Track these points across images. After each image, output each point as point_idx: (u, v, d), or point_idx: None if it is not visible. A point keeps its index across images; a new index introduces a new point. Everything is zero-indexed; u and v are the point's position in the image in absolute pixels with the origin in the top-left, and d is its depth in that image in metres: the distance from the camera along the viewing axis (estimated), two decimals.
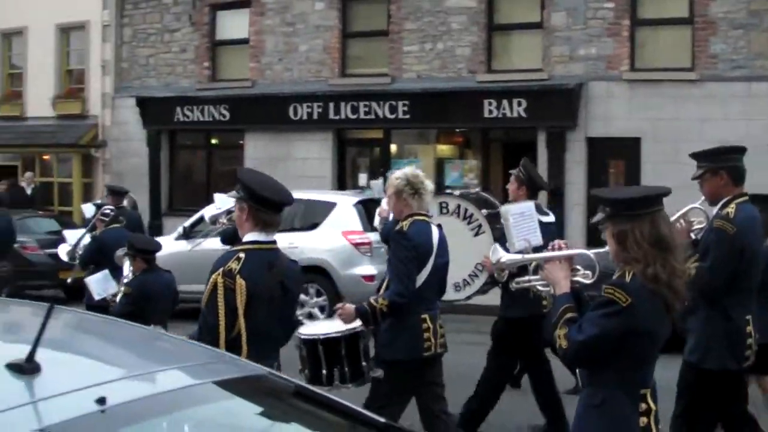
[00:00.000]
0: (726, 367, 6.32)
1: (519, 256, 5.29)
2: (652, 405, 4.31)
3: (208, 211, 12.24)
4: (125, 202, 14.74)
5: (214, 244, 15.69)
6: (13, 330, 3.81)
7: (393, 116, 20.99)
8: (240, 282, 5.06)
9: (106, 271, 10.07)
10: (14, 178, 25.15)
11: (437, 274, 6.79)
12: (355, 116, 21.37)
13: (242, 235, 5.36)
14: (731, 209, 6.32)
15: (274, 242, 5.36)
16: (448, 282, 7.26)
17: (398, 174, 6.81)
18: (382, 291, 6.87)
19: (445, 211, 8.71)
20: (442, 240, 6.81)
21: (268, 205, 5.25)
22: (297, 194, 10.22)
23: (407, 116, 20.86)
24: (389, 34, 21.41)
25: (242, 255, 5.16)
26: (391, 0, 21.28)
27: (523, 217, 6.37)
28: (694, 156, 6.64)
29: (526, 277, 5.09)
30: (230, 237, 11.90)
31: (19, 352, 2.88)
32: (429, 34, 20.95)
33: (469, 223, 8.62)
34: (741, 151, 6.66)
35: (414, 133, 22.23)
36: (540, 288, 5.02)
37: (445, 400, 7.02)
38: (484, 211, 8.64)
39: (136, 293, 9.00)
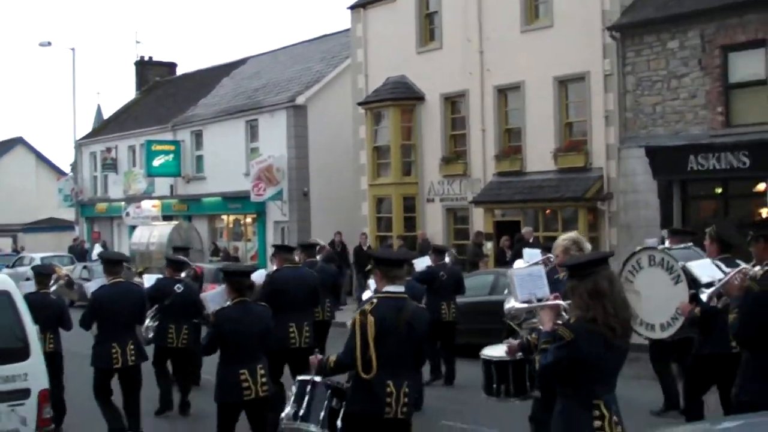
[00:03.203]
0: None
1: (524, 305, 7.40)
2: (605, 412, 5.57)
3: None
4: (318, 257, 16.37)
5: None
6: None
7: None
8: (371, 319, 7.09)
9: None
10: (518, 233, 25.33)
11: None
12: None
13: (379, 289, 7.41)
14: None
15: (403, 292, 7.39)
16: (655, 322, 9.95)
17: (564, 236, 8.59)
18: None
19: (652, 262, 10.16)
20: None
21: (390, 263, 7.45)
22: None
23: None
24: None
25: (375, 300, 7.31)
26: None
27: (530, 277, 7.59)
28: None
29: (533, 319, 7.74)
30: None
31: None
32: None
33: (670, 273, 9.91)
34: None
35: None
36: (540, 327, 6.51)
37: None
38: (681, 263, 9.73)
39: None
